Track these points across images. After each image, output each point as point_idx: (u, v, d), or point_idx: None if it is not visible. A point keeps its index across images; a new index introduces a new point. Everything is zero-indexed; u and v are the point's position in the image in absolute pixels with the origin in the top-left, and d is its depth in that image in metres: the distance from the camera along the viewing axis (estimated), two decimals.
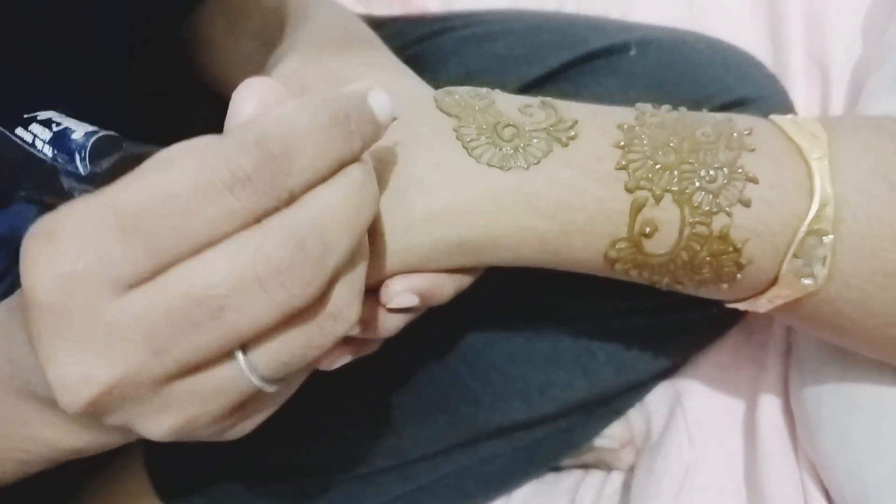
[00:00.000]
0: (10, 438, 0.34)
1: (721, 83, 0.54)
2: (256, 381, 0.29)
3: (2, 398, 0.33)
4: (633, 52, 0.56)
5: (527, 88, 0.57)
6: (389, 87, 0.39)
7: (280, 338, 0.28)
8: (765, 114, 0.53)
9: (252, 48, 0.55)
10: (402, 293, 0.36)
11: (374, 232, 0.35)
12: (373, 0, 0.82)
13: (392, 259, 0.36)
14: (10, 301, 0.34)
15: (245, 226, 0.27)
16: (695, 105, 0.53)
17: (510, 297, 0.53)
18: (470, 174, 0.35)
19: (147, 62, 0.60)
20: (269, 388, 0.30)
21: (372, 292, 0.36)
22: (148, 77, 0.60)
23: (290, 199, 0.28)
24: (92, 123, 0.35)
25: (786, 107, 0.56)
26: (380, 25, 0.65)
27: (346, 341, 0.36)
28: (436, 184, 0.35)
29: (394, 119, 0.31)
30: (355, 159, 0.30)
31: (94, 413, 0.28)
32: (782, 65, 0.62)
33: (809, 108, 0.61)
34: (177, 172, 0.26)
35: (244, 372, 0.28)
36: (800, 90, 0.61)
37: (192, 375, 0.28)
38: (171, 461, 0.56)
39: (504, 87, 0.57)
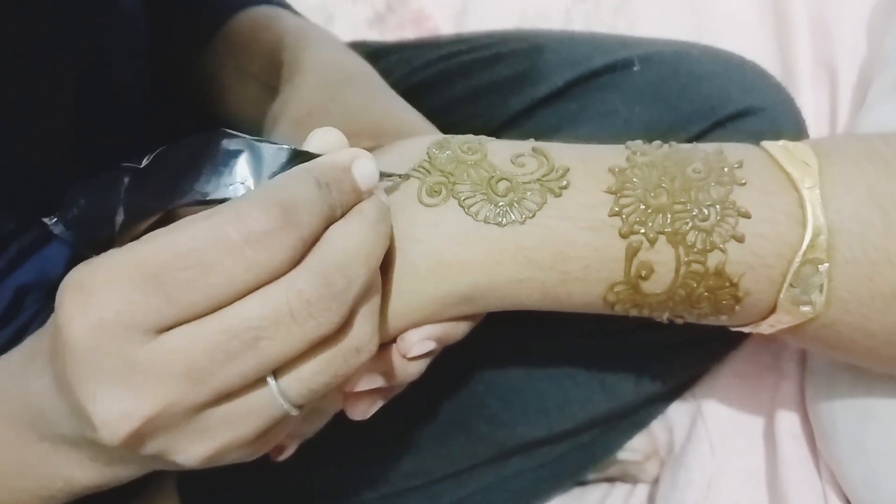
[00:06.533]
0: (30, 477, 0.36)
1: (725, 95, 0.54)
2: (286, 406, 0.32)
3: (21, 441, 0.35)
4: (636, 68, 0.56)
5: (533, 108, 0.58)
6: (378, 136, 0.42)
7: (308, 366, 0.31)
8: (771, 123, 0.53)
9: (257, 91, 0.56)
10: (419, 342, 0.38)
11: (383, 293, 0.36)
12: (386, 23, 0.83)
13: (401, 317, 0.37)
14: (25, 349, 0.36)
15: (265, 276, 0.29)
16: (700, 117, 0.54)
17: (526, 316, 0.54)
18: (468, 232, 0.37)
19: (164, 105, 0.62)
20: (296, 413, 0.32)
21: (390, 344, 0.38)
22: (166, 120, 0.62)
23: (304, 250, 0.30)
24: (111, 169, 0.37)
25: (792, 115, 0.55)
26: (387, 53, 0.66)
27: (377, 389, 0.39)
28: (436, 244, 0.37)
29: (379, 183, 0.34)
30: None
31: (132, 445, 0.30)
32: (790, 70, 0.62)
33: (818, 112, 0.61)
34: (196, 229, 0.29)
35: (276, 397, 0.31)
36: (808, 95, 0.61)
37: (226, 402, 0.31)
38: (201, 488, 0.58)
39: (510, 109, 0.58)
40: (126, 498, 0.60)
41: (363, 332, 0.32)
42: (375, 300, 0.34)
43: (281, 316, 0.29)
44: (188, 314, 0.29)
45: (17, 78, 0.43)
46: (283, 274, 0.30)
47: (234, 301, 0.29)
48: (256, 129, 0.52)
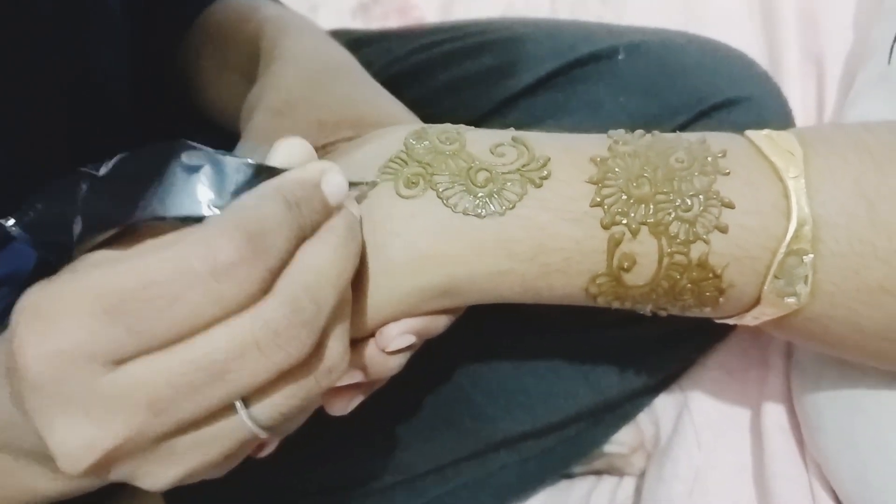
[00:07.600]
0: None
1: (712, 85, 0.54)
2: (256, 430, 0.31)
3: None
4: (621, 57, 0.56)
5: (516, 98, 0.57)
6: (359, 126, 0.41)
7: (279, 391, 0.30)
8: (758, 113, 0.53)
9: (237, 82, 0.55)
10: (398, 336, 0.37)
11: (360, 288, 0.36)
12: (370, 12, 0.83)
13: (379, 311, 0.36)
14: None
15: (231, 308, 0.28)
16: (686, 107, 0.53)
17: (510, 310, 0.54)
18: (446, 224, 0.36)
19: (150, 93, 0.61)
20: (265, 435, 0.31)
21: (369, 338, 0.37)
22: (152, 109, 0.61)
23: (272, 279, 0.29)
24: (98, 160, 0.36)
25: (779, 105, 0.55)
26: (369, 42, 0.66)
27: (357, 385, 0.38)
28: (414, 236, 0.36)
29: (348, 195, 0.33)
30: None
31: (96, 474, 0.29)
32: (777, 62, 0.62)
33: (806, 103, 0.61)
34: (159, 259, 0.28)
35: (245, 422, 0.30)
36: (796, 86, 0.61)
37: (193, 430, 0.30)
38: (185, 486, 0.57)
39: (493, 99, 0.58)
40: (107, 496, 0.59)
41: (334, 353, 0.32)
42: (346, 318, 0.33)
43: (247, 348, 0.28)
44: (151, 345, 0.28)
45: (16, 78, 0.43)
46: (251, 304, 0.29)
47: (200, 331, 0.28)
48: (237, 120, 0.51)
